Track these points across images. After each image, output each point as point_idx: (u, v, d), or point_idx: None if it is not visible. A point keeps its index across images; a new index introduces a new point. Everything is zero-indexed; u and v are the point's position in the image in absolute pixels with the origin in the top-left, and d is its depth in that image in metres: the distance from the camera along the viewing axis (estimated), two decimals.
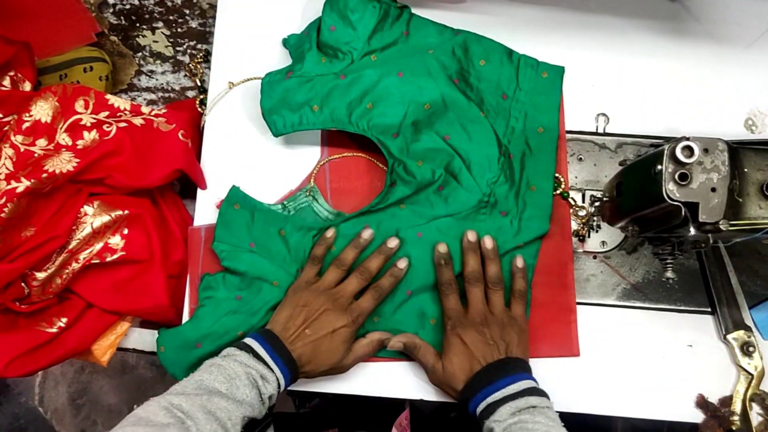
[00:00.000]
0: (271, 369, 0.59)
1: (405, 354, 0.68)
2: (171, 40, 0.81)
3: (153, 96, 0.81)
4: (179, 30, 0.81)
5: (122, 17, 0.81)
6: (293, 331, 0.62)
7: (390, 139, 0.70)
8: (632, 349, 0.70)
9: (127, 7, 0.81)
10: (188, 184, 0.77)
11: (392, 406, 0.73)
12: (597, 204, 0.72)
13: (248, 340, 0.61)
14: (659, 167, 0.57)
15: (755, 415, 0.67)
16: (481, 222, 0.70)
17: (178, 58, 0.81)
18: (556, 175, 0.72)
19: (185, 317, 0.70)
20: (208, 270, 0.70)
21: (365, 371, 0.69)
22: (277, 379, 0.59)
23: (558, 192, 0.72)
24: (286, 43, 0.75)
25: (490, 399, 0.58)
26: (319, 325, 0.62)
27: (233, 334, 0.66)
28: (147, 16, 0.81)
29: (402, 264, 0.67)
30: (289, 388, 0.70)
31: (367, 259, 0.67)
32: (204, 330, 0.66)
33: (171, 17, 0.82)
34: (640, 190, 0.62)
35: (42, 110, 0.67)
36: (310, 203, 0.72)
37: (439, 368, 0.63)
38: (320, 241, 0.69)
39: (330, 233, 0.69)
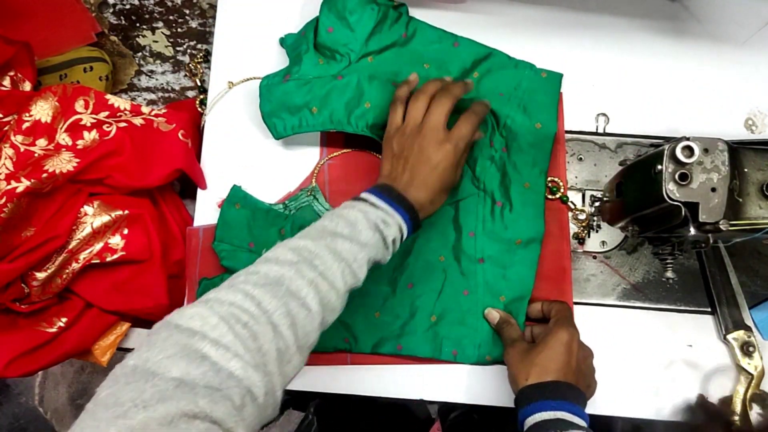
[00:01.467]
0: (389, 215, 0.57)
1: (402, 355, 0.68)
2: (171, 40, 0.81)
3: (153, 96, 0.81)
4: (179, 30, 0.81)
5: (122, 17, 0.81)
6: (399, 181, 0.61)
7: None
8: (632, 349, 0.70)
9: (127, 7, 0.81)
10: (188, 184, 0.77)
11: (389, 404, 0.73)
12: (597, 204, 0.72)
13: (363, 194, 0.59)
14: (659, 167, 0.57)
15: (755, 415, 0.67)
16: (476, 211, 0.70)
17: (178, 58, 0.81)
18: (555, 179, 0.72)
19: None
20: (206, 271, 0.70)
21: (366, 372, 0.69)
22: (398, 223, 0.57)
23: (557, 196, 0.72)
24: (282, 42, 0.75)
25: (562, 415, 0.55)
26: (421, 167, 0.60)
27: None
28: (147, 16, 0.81)
29: (471, 83, 0.67)
30: (288, 389, 0.70)
31: (450, 83, 0.65)
32: None
33: (171, 17, 0.82)
34: (640, 190, 0.62)
35: (42, 110, 0.67)
36: (311, 202, 0.72)
37: (522, 349, 0.62)
38: (402, 83, 0.67)
39: (413, 77, 0.67)
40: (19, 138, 0.66)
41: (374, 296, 0.69)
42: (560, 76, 0.74)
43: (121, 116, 0.70)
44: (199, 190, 0.73)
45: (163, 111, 0.72)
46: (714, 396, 0.68)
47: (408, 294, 0.69)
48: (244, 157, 0.74)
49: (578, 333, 0.62)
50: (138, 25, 0.81)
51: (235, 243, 0.69)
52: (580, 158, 0.74)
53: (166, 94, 0.81)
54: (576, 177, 0.74)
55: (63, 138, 0.67)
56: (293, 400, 1.03)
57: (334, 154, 0.73)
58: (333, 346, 0.68)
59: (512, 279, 0.69)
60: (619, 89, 0.75)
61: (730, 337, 0.68)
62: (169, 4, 0.82)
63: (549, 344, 0.59)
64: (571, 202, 0.72)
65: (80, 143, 0.67)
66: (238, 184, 0.72)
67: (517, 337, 0.64)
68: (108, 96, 0.70)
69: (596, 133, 0.75)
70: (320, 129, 0.70)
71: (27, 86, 0.69)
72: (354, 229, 0.55)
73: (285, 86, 0.69)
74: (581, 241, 0.72)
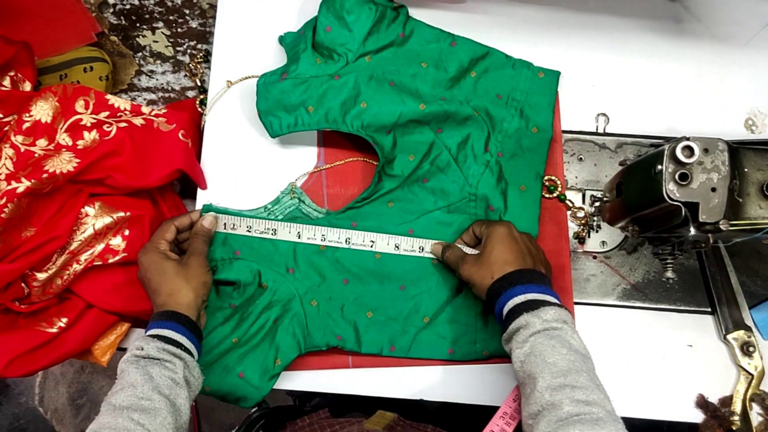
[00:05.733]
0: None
1: (396, 356, 0.68)
2: (171, 40, 0.81)
3: (153, 96, 0.81)
4: (179, 30, 0.81)
5: (122, 17, 0.81)
6: None
7: (383, 136, 0.70)
8: (632, 349, 0.70)
9: (127, 7, 0.81)
10: (188, 184, 0.77)
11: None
12: (597, 204, 0.72)
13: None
14: (659, 167, 0.57)
15: (755, 415, 0.67)
16: (470, 215, 0.70)
17: (178, 58, 0.81)
18: (553, 177, 0.72)
19: None
20: None
21: (365, 372, 0.69)
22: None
23: (555, 195, 0.72)
24: (281, 41, 0.75)
25: (533, 296, 0.57)
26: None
27: (228, 342, 0.67)
28: (147, 16, 0.81)
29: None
30: (288, 388, 0.70)
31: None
32: None
33: (171, 17, 0.81)
34: (640, 190, 0.62)
35: (42, 110, 0.67)
36: (298, 205, 0.72)
37: (473, 258, 0.63)
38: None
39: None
40: (20, 138, 0.66)
41: (366, 297, 0.69)
42: (557, 74, 0.74)
43: (121, 116, 0.70)
44: (199, 190, 0.73)
45: (163, 111, 0.72)
46: (714, 396, 0.68)
47: (400, 295, 0.69)
48: (245, 157, 0.74)
49: (513, 224, 0.64)
50: (138, 25, 0.81)
51: (224, 257, 0.69)
52: (580, 158, 0.74)
53: (166, 94, 0.81)
54: (576, 177, 0.74)
55: (63, 138, 0.67)
56: (296, 400, 1.03)
57: (326, 166, 0.73)
58: (326, 342, 0.68)
59: None
60: (619, 89, 0.75)
61: (730, 337, 0.68)
62: (169, 4, 0.82)
63: (494, 242, 0.62)
64: (569, 200, 0.72)
65: (80, 143, 0.67)
66: (238, 184, 0.72)
67: (463, 253, 0.66)
68: (108, 96, 0.70)
69: (596, 133, 0.75)
70: (315, 128, 0.70)
71: (27, 86, 0.69)
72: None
73: (282, 85, 0.69)
74: (581, 241, 0.72)
